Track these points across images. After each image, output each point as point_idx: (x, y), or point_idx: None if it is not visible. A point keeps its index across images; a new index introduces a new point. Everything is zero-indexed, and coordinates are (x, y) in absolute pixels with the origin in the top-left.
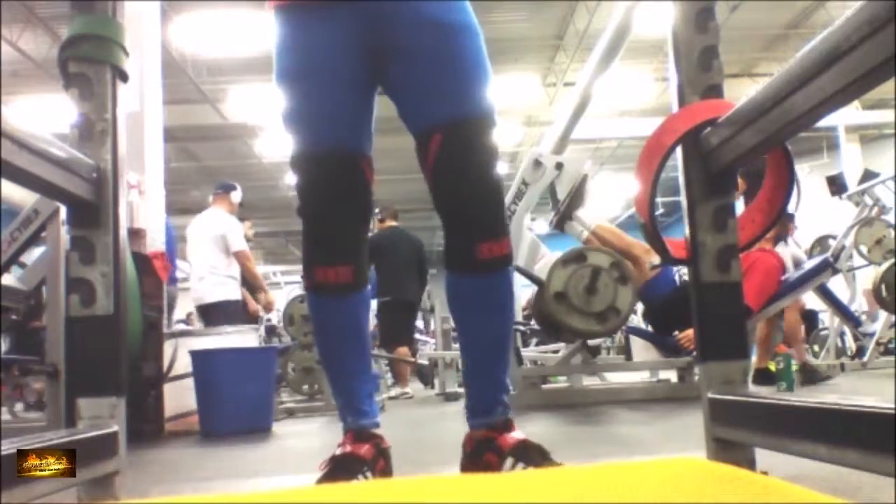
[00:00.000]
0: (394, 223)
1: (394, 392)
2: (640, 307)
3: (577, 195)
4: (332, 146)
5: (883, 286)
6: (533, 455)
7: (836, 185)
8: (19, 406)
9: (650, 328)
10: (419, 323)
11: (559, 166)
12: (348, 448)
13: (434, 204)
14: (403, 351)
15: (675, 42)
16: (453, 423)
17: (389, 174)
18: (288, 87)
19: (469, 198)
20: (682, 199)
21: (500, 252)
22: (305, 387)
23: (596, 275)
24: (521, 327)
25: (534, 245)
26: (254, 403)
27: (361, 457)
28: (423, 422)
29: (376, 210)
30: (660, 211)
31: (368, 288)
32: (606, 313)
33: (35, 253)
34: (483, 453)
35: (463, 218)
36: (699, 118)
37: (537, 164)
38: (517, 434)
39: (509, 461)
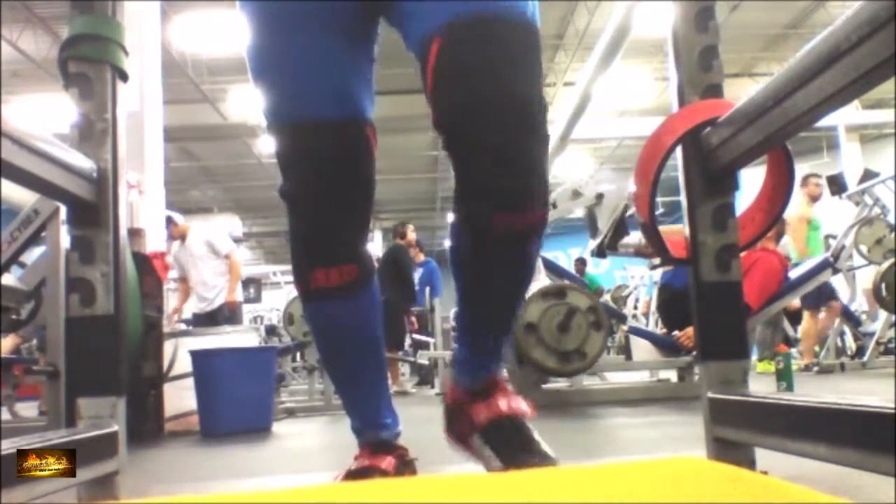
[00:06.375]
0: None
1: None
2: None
3: (620, 225)
4: (320, 112)
5: (883, 286)
6: (506, 440)
7: (836, 184)
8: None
9: (660, 320)
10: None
11: (600, 197)
12: (367, 462)
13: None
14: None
15: (675, 42)
16: None
17: (389, 174)
18: (257, 32)
19: (477, 125)
20: (682, 199)
21: (524, 224)
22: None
23: (571, 314)
24: None
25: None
26: (254, 403)
27: (384, 470)
28: (423, 421)
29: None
30: (660, 211)
31: (377, 283)
32: (571, 355)
33: (35, 253)
34: (456, 421)
35: (474, 168)
36: (699, 118)
37: (576, 193)
38: (499, 404)
39: (478, 441)
